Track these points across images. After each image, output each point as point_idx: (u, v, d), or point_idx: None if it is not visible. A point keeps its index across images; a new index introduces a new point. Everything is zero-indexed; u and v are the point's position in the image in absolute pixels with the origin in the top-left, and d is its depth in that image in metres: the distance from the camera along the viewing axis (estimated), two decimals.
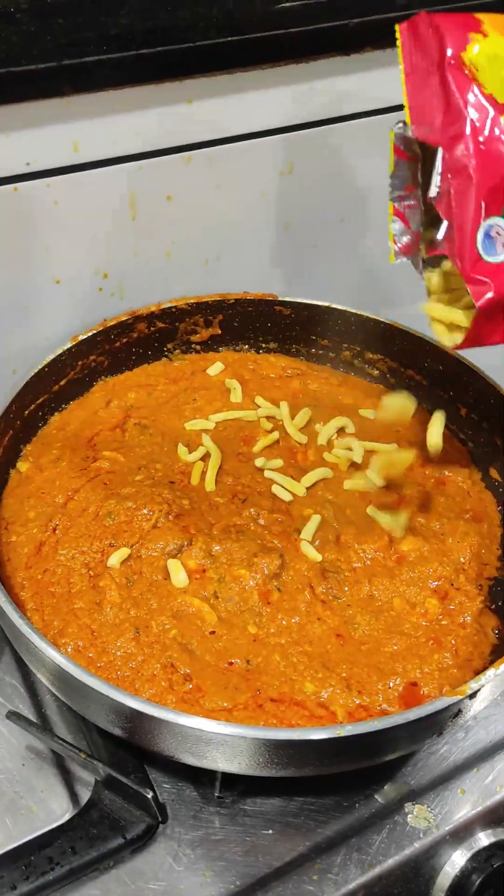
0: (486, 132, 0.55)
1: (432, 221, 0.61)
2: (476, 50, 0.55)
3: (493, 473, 0.78)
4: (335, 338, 0.88)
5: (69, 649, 0.61)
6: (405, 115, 0.59)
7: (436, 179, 0.57)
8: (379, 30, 0.80)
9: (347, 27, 0.77)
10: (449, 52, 0.55)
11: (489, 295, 0.56)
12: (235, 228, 0.86)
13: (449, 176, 0.56)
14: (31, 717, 0.66)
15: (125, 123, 0.73)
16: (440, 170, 0.56)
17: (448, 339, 0.63)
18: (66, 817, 0.60)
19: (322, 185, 0.89)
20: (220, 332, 0.87)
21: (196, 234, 0.84)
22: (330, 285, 0.96)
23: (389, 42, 0.80)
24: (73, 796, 0.62)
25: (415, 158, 0.61)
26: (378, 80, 0.83)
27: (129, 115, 0.73)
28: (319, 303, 0.86)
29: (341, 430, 0.81)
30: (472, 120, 0.54)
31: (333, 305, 0.86)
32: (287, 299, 0.87)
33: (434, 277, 0.64)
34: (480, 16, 0.57)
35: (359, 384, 0.88)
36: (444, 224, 0.58)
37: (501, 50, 0.55)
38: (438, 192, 0.57)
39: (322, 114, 0.83)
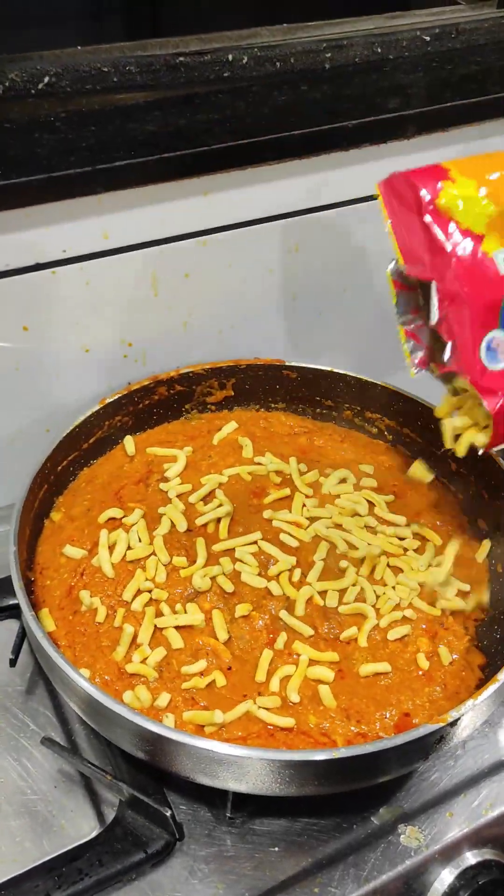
0: (471, 260, 0.63)
1: (439, 338, 0.70)
2: (448, 195, 0.64)
3: (481, 524, 0.85)
4: (337, 398, 0.96)
5: (97, 681, 0.68)
6: (397, 257, 0.68)
7: (434, 307, 0.66)
8: (374, 129, 0.90)
9: (346, 128, 0.88)
10: (426, 200, 0.64)
11: (502, 402, 0.65)
12: (247, 301, 0.95)
13: (445, 303, 0.65)
14: (63, 742, 0.74)
15: (148, 214, 0.83)
16: (436, 300, 0.65)
17: (475, 439, 0.70)
18: (94, 834, 0.67)
19: (326, 260, 0.98)
20: (232, 393, 0.96)
21: (211, 307, 0.94)
22: (334, 349, 1.05)
23: (384, 139, 0.92)
24: (100, 815, 0.69)
25: (413, 288, 0.70)
26: (375, 169, 0.92)
27: (152, 208, 0.83)
28: (322, 367, 0.95)
29: (343, 481, 0.89)
30: (456, 253, 0.63)
31: (335, 370, 0.94)
32: (293, 364, 0.95)
33: (449, 394, 0.72)
34: (446, 164, 0.66)
35: (359, 440, 0.96)
36: (449, 345, 0.67)
37: (469, 191, 0.64)
38: (438, 318, 0.66)
39: (325, 200, 0.93)
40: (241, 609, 0.73)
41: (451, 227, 0.63)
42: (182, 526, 0.80)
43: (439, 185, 0.64)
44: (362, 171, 0.92)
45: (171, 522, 0.80)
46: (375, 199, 0.95)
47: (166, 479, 0.86)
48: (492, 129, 0.98)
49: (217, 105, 0.86)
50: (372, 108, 0.87)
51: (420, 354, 0.72)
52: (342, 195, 0.93)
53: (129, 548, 0.77)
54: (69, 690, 0.65)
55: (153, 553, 0.77)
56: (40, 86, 0.72)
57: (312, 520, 0.82)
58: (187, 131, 0.81)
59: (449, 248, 0.63)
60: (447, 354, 0.67)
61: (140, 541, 0.78)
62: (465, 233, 0.63)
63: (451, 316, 0.65)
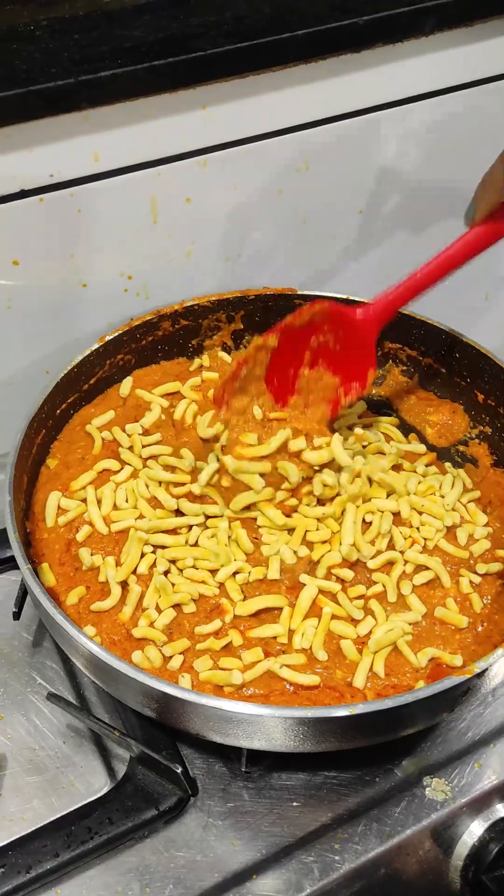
0: None
1: None
2: None
3: None
4: None
5: (103, 638, 0.65)
6: None
7: None
8: (390, 24, 0.81)
9: (357, 25, 0.79)
10: None
11: None
12: (254, 226, 0.89)
13: None
14: (71, 698, 0.71)
15: (142, 132, 0.76)
16: None
17: None
18: (104, 791, 0.65)
19: (339, 178, 0.90)
20: (242, 326, 0.90)
21: (216, 234, 0.87)
22: (350, 276, 0.98)
23: (400, 36, 0.83)
24: (111, 771, 0.67)
25: None
26: (390, 74, 0.85)
27: (145, 125, 0.76)
28: (337, 295, 0.88)
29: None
30: None
31: (351, 297, 0.88)
32: (306, 293, 0.89)
33: None
34: None
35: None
36: None
37: None
38: None
39: (335, 110, 0.85)
40: (257, 573, 0.68)
41: None
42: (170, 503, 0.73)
43: None
44: (376, 75, 0.84)
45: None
46: (392, 106, 0.88)
47: (147, 433, 0.80)
48: None
49: (212, 4, 0.78)
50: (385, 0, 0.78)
51: None
52: (355, 104, 0.85)
53: (114, 507, 0.73)
54: (72, 648, 0.61)
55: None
56: None
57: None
58: (179, 35, 0.74)
59: None
60: None
61: (126, 501, 0.73)
62: None
63: None
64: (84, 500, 0.73)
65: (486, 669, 0.58)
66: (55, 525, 0.72)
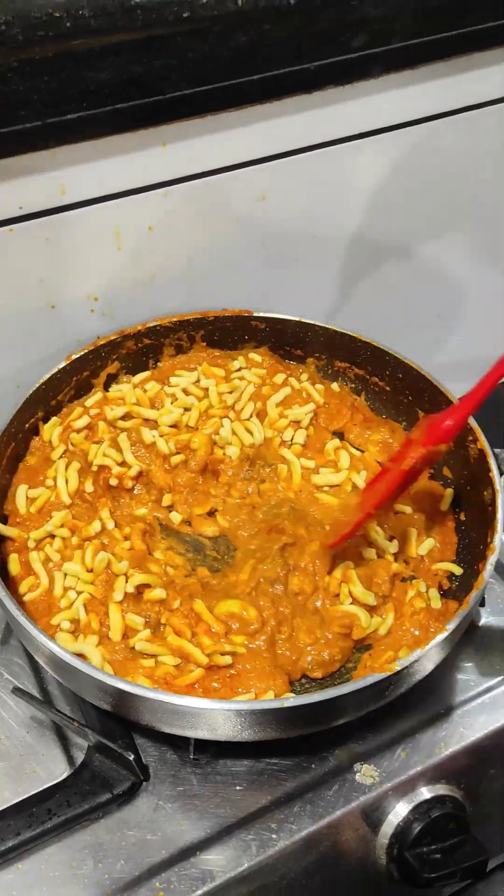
0: None
1: None
2: None
3: (446, 472, 0.87)
4: (306, 348, 0.96)
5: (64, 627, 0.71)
6: None
7: None
8: (340, 69, 0.87)
9: (308, 70, 0.85)
10: None
11: None
12: (214, 252, 0.94)
13: None
14: (35, 691, 0.77)
15: (106, 167, 0.82)
16: None
17: None
18: (63, 776, 0.71)
19: (294, 207, 0.96)
20: (202, 345, 0.96)
21: (178, 259, 0.93)
22: (306, 297, 1.05)
23: (349, 80, 0.89)
24: (70, 759, 0.73)
25: None
26: (342, 112, 0.91)
27: (109, 160, 0.81)
28: (290, 317, 0.94)
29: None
30: None
31: (303, 320, 0.94)
32: (262, 315, 0.95)
33: None
34: None
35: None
36: None
37: None
38: None
39: (290, 146, 0.91)
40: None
41: None
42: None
43: None
44: (328, 114, 0.90)
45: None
46: (344, 141, 0.94)
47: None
48: (464, 65, 0.95)
49: (175, 49, 0.83)
50: (336, 46, 0.85)
51: None
52: (307, 140, 0.91)
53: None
54: (34, 647, 0.67)
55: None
56: None
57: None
58: (143, 78, 0.79)
59: None
60: None
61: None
62: None
63: None
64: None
65: (407, 667, 0.64)
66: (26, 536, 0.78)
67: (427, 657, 0.66)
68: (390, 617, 0.74)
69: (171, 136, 0.83)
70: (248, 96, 0.84)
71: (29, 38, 0.74)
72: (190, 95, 0.80)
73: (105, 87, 0.78)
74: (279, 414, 0.90)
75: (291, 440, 0.89)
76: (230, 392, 0.90)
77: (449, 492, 0.85)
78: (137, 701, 0.63)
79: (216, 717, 0.62)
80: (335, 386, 0.95)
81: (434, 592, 0.77)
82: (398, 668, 0.64)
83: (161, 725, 0.65)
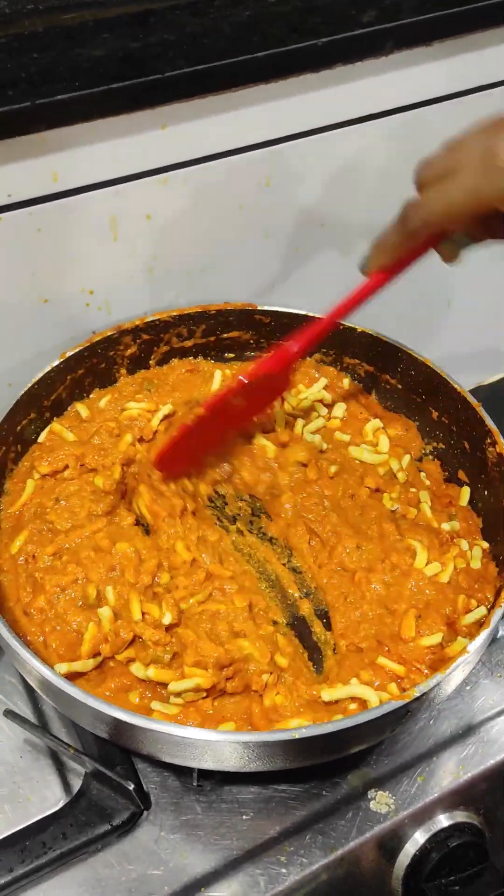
0: None
1: None
2: None
3: (461, 475, 0.82)
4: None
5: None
6: None
7: None
8: (349, 46, 0.82)
9: (316, 47, 0.79)
10: None
11: None
12: (216, 242, 0.89)
13: None
14: (29, 713, 0.73)
15: (101, 152, 0.76)
16: None
17: None
18: (59, 805, 0.67)
19: (301, 194, 0.91)
20: (203, 341, 0.91)
21: (178, 250, 0.88)
22: (312, 289, 0.99)
23: (359, 57, 0.83)
24: (66, 785, 0.69)
25: None
26: (350, 92, 0.85)
27: (104, 144, 0.76)
28: (296, 311, 0.89)
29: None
30: None
31: (310, 314, 0.89)
32: (266, 308, 0.90)
33: None
34: None
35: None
36: None
37: None
38: None
39: (296, 128, 0.85)
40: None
41: None
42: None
43: None
44: (336, 93, 0.84)
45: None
46: (351, 124, 0.89)
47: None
48: (481, 41, 0.89)
49: (173, 24, 0.78)
50: (345, 21, 0.79)
51: None
52: (315, 122, 0.86)
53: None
54: (26, 672, 0.63)
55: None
56: None
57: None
58: (139, 56, 0.74)
59: None
60: None
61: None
62: None
63: None
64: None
65: (426, 693, 0.60)
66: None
67: (447, 680, 0.61)
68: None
69: (170, 118, 0.77)
70: (252, 75, 0.78)
71: (17, 12, 0.69)
72: (189, 74, 0.75)
73: (99, 65, 0.72)
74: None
75: (329, 416, 0.87)
76: None
77: (465, 489, 0.80)
78: (137, 731, 0.58)
79: (222, 748, 0.58)
80: (346, 383, 0.90)
81: (477, 551, 0.73)
82: (417, 695, 0.59)
83: (163, 756, 0.61)
